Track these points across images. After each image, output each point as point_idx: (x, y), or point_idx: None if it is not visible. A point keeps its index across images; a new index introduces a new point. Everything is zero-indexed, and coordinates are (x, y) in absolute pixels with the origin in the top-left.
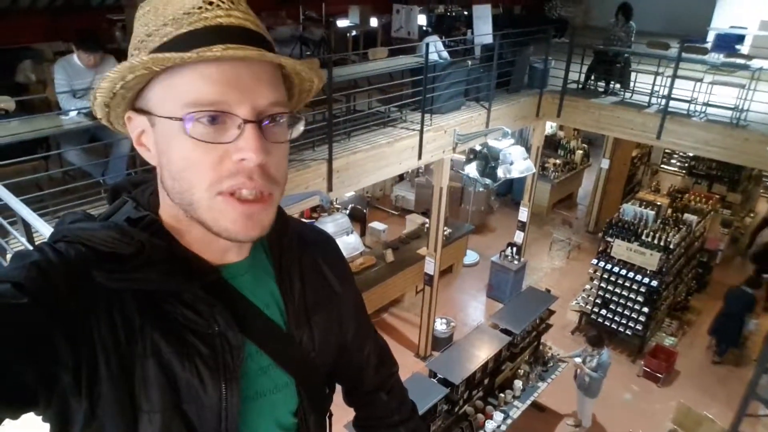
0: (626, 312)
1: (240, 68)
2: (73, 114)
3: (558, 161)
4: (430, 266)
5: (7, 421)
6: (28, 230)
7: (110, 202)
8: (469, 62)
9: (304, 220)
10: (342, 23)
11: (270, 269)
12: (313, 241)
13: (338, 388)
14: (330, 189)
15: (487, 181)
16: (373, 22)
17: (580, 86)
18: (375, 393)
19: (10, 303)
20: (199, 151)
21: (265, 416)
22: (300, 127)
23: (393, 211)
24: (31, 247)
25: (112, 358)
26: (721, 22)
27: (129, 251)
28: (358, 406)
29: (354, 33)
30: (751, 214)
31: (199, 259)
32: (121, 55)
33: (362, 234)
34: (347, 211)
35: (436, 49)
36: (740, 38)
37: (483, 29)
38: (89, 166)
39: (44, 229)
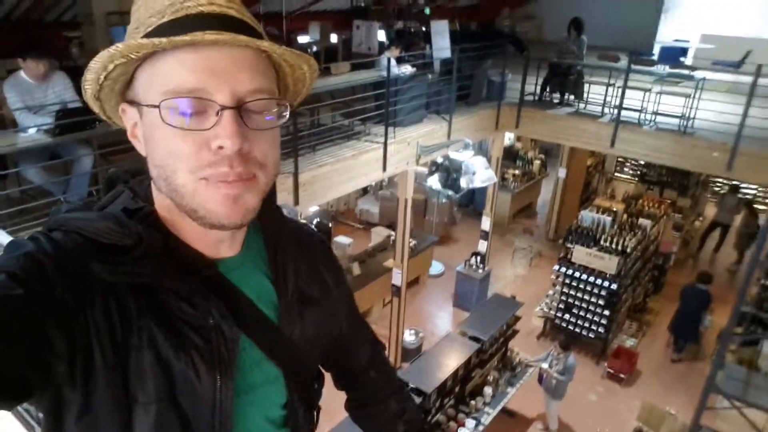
0: (588, 315)
1: (219, 54)
2: (32, 131)
3: (517, 172)
4: (397, 277)
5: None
6: None
7: (106, 191)
8: (430, 76)
9: None
10: (303, 39)
11: (263, 264)
12: (309, 242)
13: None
14: (296, 203)
15: (450, 192)
16: (334, 38)
17: (537, 98)
18: (364, 373)
19: (4, 294)
20: (179, 139)
21: (255, 409)
22: (285, 113)
23: (358, 225)
24: None
25: (108, 350)
26: (665, 36)
27: (127, 243)
28: (349, 388)
29: (315, 49)
30: (700, 218)
31: (195, 253)
32: (77, 73)
33: None
34: (313, 226)
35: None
36: (684, 51)
37: (441, 44)
38: (50, 185)
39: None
